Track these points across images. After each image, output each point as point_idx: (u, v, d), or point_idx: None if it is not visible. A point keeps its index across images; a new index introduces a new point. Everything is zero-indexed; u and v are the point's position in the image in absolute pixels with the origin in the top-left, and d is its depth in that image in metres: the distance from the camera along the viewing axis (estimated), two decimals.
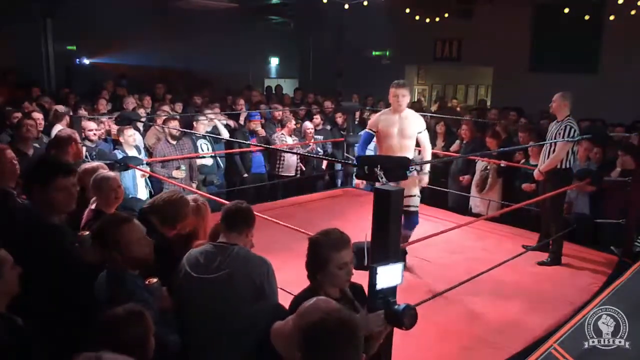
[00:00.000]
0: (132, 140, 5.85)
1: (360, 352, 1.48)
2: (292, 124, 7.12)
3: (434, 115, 8.50)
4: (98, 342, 1.62)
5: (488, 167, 6.27)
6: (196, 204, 3.02)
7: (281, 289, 2.45)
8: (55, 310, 2.16)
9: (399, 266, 2.23)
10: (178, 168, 5.94)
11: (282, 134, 7.06)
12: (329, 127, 8.17)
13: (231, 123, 7.54)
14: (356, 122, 8.10)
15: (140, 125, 6.85)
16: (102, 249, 2.24)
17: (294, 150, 7.05)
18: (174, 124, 6.33)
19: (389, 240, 2.33)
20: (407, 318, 1.95)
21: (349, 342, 1.44)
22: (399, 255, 2.50)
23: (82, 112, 6.71)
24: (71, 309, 2.17)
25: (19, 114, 5.95)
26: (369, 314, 2.11)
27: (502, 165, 6.15)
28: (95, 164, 3.66)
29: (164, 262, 2.48)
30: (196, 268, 2.37)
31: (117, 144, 6.12)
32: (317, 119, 7.85)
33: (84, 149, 5.30)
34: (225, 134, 6.95)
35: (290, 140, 7.06)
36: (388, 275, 2.18)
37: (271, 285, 2.36)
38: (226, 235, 2.44)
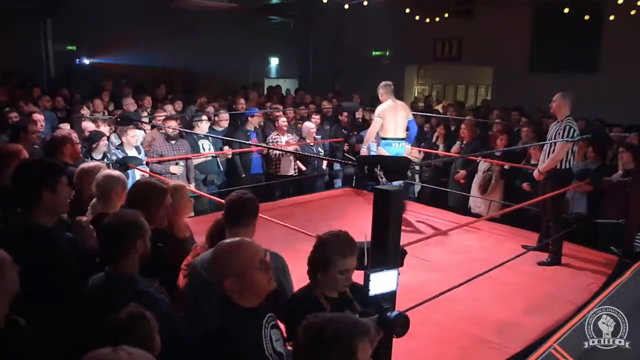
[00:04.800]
0: (135, 140, 5.87)
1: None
2: (279, 121, 7.09)
3: (433, 115, 8.50)
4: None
5: (491, 169, 6.27)
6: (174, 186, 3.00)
7: None
8: (50, 313, 2.14)
9: (393, 273, 2.21)
10: (176, 164, 5.98)
11: (277, 134, 7.05)
12: (327, 127, 8.18)
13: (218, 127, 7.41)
14: (359, 121, 8.12)
15: (143, 125, 6.88)
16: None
17: (293, 151, 7.03)
18: (172, 123, 6.34)
19: (389, 241, 2.33)
20: (398, 326, 1.94)
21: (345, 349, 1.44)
22: (399, 256, 2.49)
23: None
24: (65, 312, 2.16)
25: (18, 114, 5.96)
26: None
27: (505, 167, 6.16)
28: (94, 163, 3.65)
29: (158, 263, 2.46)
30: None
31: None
32: (317, 119, 7.84)
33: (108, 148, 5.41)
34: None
35: (284, 140, 7.05)
36: (382, 282, 2.17)
37: (287, 279, 2.36)
38: (232, 231, 2.40)
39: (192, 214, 5.96)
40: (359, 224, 5.83)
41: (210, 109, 7.94)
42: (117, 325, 1.75)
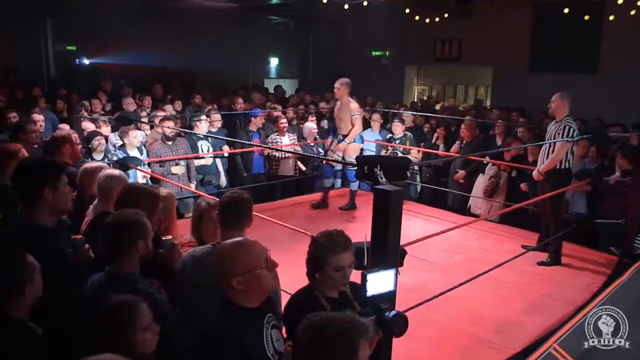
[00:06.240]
0: (137, 141, 5.87)
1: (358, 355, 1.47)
2: (279, 122, 7.08)
3: (433, 115, 8.50)
4: (95, 335, 1.61)
5: (498, 175, 6.25)
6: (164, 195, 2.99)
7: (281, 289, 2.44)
8: (50, 313, 2.14)
9: (390, 273, 2.20)
10: (177, 164, 5.98)
11: (277, 135, 7.05)
12: (325, 127, 8.17)
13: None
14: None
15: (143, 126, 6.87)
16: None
17: (293, 151, 7.03)
18: (170, 124, 6.34)
19: (389, 241, 2.33)
20: (396, 326, 1.94)
21: (347, 349, 1.44)
22: (398, 256, 2.49)
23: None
24: (65, 312, 2.15)
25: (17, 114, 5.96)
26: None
27: (513, 175, 6.15)
28: (96, 164, 3.65)
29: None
30: (199, 272, 2.34)
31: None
32: (313, 120, 7.81)
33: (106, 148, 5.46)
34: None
35: (285, 141, 7.04)
36: (379, 282, 2.17)
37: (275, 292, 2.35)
38: (226, 232, 2.39)
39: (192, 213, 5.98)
40: (358, 224, 5.85)
41: (209, 108, 7.92)
42: (114, 311, 1.75)
